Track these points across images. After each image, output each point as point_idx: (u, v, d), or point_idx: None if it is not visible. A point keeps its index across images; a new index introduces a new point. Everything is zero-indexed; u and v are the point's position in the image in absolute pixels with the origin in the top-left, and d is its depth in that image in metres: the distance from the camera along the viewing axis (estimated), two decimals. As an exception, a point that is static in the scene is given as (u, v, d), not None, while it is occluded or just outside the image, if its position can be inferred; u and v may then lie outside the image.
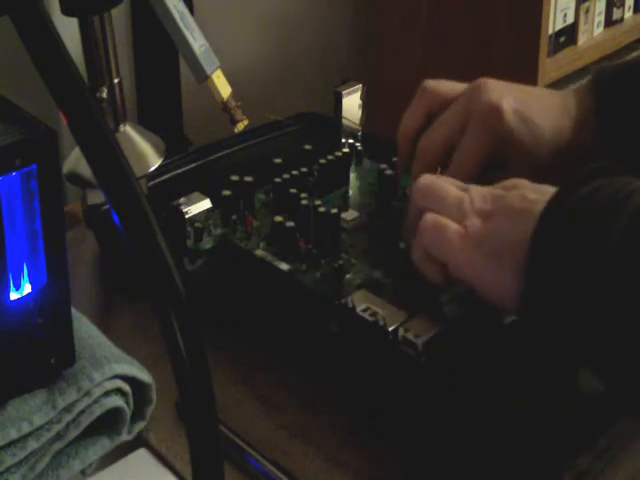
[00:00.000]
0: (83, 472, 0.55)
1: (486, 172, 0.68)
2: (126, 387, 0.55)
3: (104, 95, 0.68)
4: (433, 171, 0.68)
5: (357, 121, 0.79)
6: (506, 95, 0.68)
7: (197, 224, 0.68)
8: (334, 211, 0.67)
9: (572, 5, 1.40)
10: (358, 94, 0.78)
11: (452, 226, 0.57)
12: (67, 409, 0.53)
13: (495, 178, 0.61)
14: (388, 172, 0.73)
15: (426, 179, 0.61)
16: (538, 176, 0.65)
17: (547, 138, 0.68)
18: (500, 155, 0.68)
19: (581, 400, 0.55)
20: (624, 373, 0.51)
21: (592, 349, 0.51)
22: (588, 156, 0.70)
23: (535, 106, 0.69)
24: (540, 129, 0.68)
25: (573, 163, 0.70)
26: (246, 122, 0.72)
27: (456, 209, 0.57)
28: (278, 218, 0.67)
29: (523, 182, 0.58)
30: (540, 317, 0.53)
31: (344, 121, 0.78)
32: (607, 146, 0.69)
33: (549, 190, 0.54)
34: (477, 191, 0.58)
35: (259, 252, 0.67)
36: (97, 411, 0.54)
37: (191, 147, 1.00)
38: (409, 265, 0.60)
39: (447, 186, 0.59)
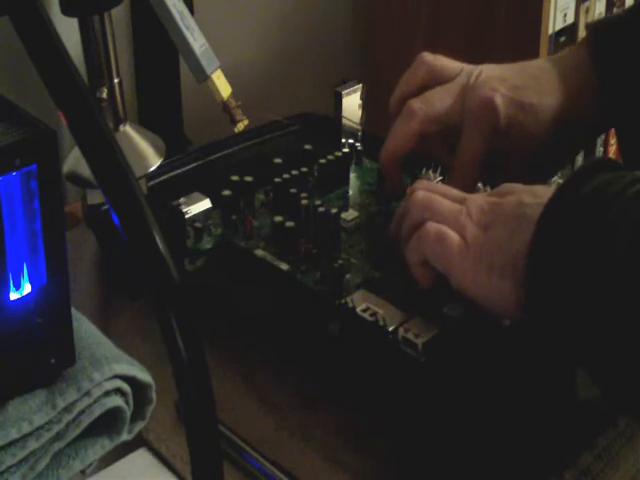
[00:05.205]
0: (83, 472, 0.55)
1: (490, 162, 0.68)
2: (126, 387, 0.55)
3: (104, 95, 0.68)
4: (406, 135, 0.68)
5: (357, 121, 0.79)
6: (499, 86, 0.68)
7: (197, 224, 0.68)
8: (334, 211, 0.67)
9: (572, 5, 1.40)
10: (358, 94, 0.78)
11: (454, 237, 0.56)
12: (67, 409, 0.53)
13: (501, 166, 0.61)
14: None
15: (420, 194, 0.60)
16: (544, 155, 0.65)
17: (546, 116, 0.69)
18: (502, 143, 0.68)
19: (581, 400, 0.55)
20: (627, 379, 0.50)
21: (595, 356, 0.51)
22: (591, 126, 0.71)
23: (531, 87, 0.69)
24: (538, 108, 0.68)
25: (577, 136, 0.71)
26: (246, 122, 0.72)
27: (454, 222, 0.57)
28: (278, 218, 0.67)
29: (518, 186, 0.58)
30: (543, 327, 0.52)
31: (344, 121, 0.78)
32: (610, 109, 0.69)
33: (545, 193, 0.53)
34: (474, 202, 0.58)
35: (259, 252, 0.67)
36: (97, 411, 0.54)
37: (191, 147, 0.99)
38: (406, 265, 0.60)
39: (442, 200, 0.59)
